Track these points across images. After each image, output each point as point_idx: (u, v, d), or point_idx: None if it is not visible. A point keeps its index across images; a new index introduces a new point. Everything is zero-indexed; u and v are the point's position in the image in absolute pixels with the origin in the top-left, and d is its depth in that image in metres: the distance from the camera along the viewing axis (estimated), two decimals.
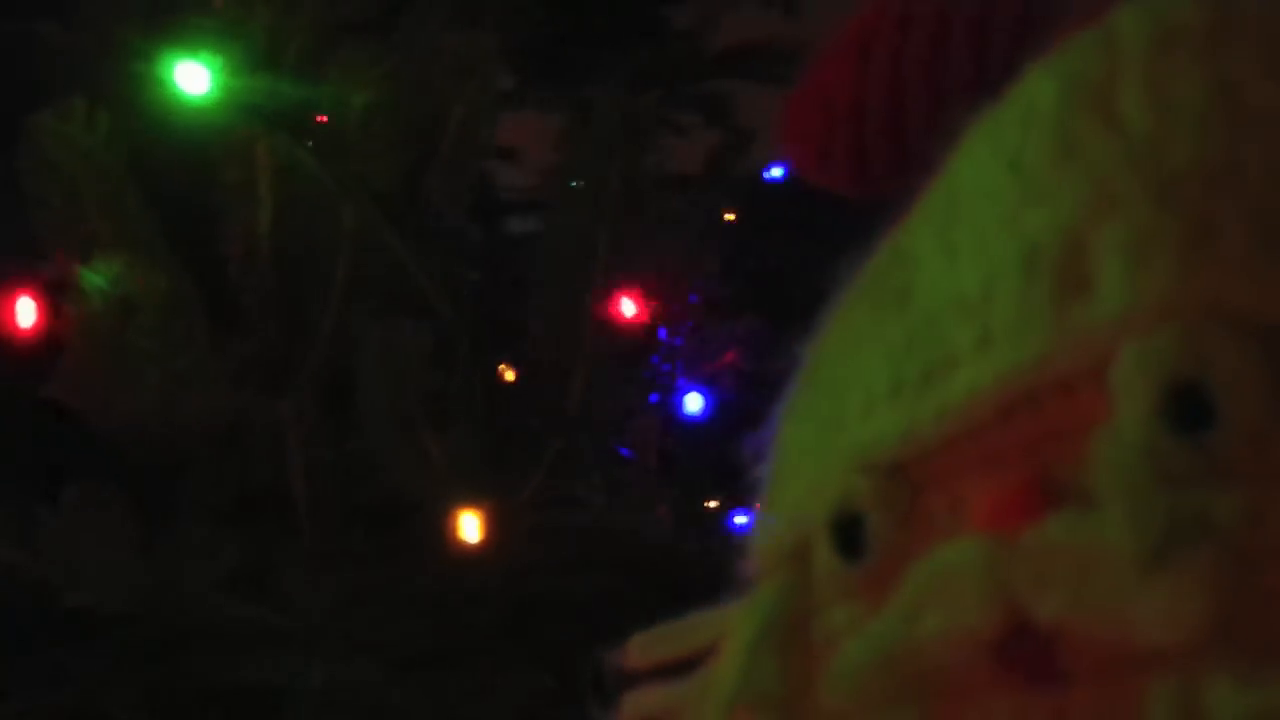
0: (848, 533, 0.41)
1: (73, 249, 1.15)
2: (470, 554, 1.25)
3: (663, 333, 1.59)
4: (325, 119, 1.23)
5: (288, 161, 1.21)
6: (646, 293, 1.35)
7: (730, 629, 0.43)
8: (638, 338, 1.38)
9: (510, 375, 1.43)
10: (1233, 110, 0.36)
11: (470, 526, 1.26)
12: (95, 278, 1.10)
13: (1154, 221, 0.36)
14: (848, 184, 0.47)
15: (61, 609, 1.17)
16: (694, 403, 1.74)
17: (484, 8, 1.30)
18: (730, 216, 1.83)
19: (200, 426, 1.23)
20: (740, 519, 1.61)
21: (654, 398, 1.70)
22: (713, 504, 1.68)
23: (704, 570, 0.95)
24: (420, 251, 1.26)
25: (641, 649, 0.45)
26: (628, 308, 1.34)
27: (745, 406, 1.72)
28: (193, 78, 1.11)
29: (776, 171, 1.95)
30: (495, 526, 1.25)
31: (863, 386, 0.42)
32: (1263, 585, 0.33)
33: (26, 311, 1.21)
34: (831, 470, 0.42)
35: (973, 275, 0.39)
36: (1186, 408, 0.35)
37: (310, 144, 1.22)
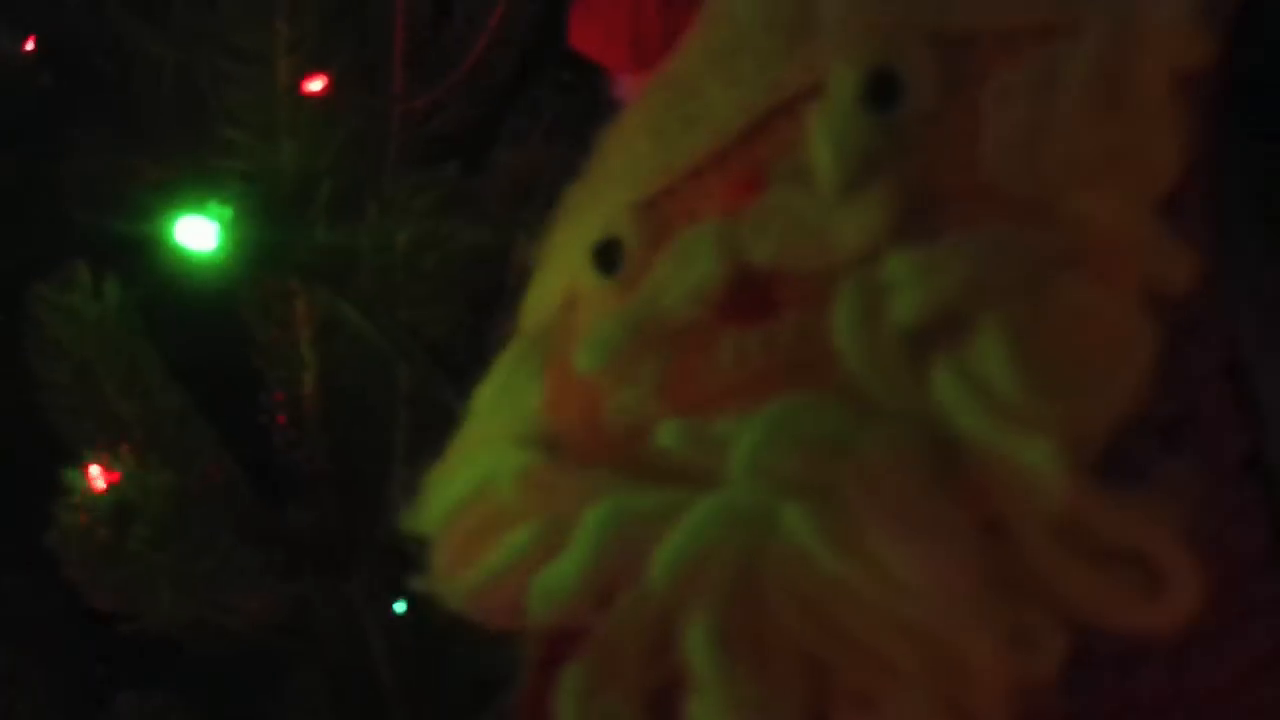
0: (607, 253, 0.51)
1: (90, 436, 1.03)
2: None
3: None
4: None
5: (329, 316, 1.07)
6: None
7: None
8: None
9: None
10: None
11: None
12: (82, 481, 0.96)
13: None
14: (624, 62, 0.56)
15: None
16: None
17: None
18: None
19: (258, 619, 1.09)
20: None
21: None
22: None
23: None
24: None
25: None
26: None
27: None
28: (196, 232, 0.96)
29: None
30: None
31: (627, 151, 0.53)
32: (930, 213, 0.45)
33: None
34: (596, 221, 0.52)
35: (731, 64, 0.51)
36: (881, 91, 0.47)
37: (354, 296, 1.07)
